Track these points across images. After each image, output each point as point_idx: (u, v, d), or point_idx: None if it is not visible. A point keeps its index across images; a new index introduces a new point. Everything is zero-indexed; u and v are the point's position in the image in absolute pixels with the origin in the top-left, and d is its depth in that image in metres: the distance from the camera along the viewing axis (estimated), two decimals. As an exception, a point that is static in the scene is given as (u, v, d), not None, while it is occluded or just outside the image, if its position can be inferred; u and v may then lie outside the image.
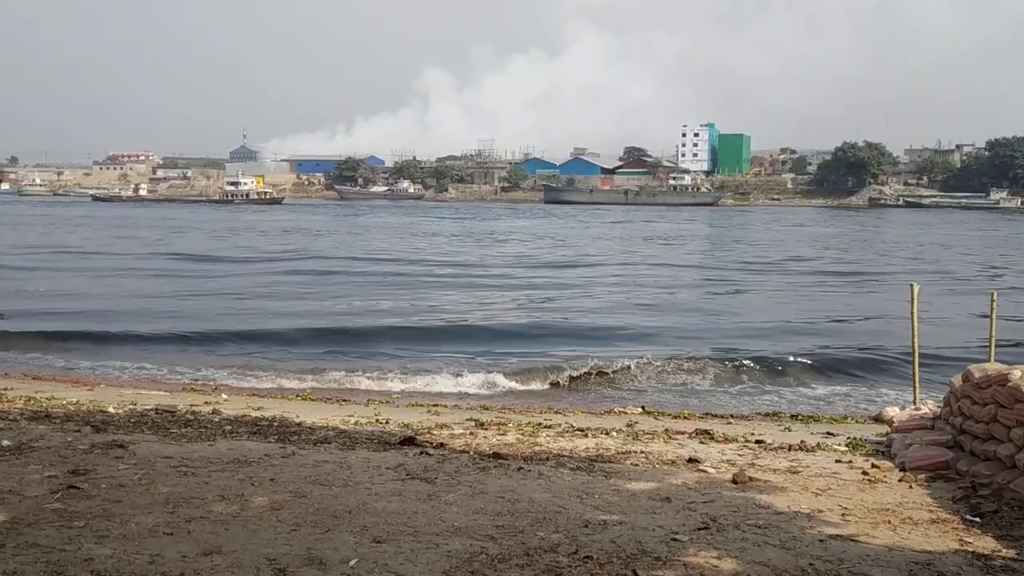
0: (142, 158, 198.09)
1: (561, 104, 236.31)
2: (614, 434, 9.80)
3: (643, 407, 13.06)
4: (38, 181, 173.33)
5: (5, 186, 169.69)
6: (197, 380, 15.14)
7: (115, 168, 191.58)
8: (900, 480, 7.32)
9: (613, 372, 16.23)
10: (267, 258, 42.21)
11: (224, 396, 12.98)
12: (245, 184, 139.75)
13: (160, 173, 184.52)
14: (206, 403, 11.54)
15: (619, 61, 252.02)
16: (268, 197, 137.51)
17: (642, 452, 8.51)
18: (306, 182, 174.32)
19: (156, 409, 10.44)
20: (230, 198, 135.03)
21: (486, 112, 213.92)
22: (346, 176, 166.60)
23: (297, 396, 13.63)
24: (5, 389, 12.20)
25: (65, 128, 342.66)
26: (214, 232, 62.81)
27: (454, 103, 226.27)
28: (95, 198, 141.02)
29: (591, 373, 16.10)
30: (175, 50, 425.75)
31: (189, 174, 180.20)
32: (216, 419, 9.80)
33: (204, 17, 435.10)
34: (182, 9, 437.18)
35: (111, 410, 10.30)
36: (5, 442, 7.54)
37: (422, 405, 12.77)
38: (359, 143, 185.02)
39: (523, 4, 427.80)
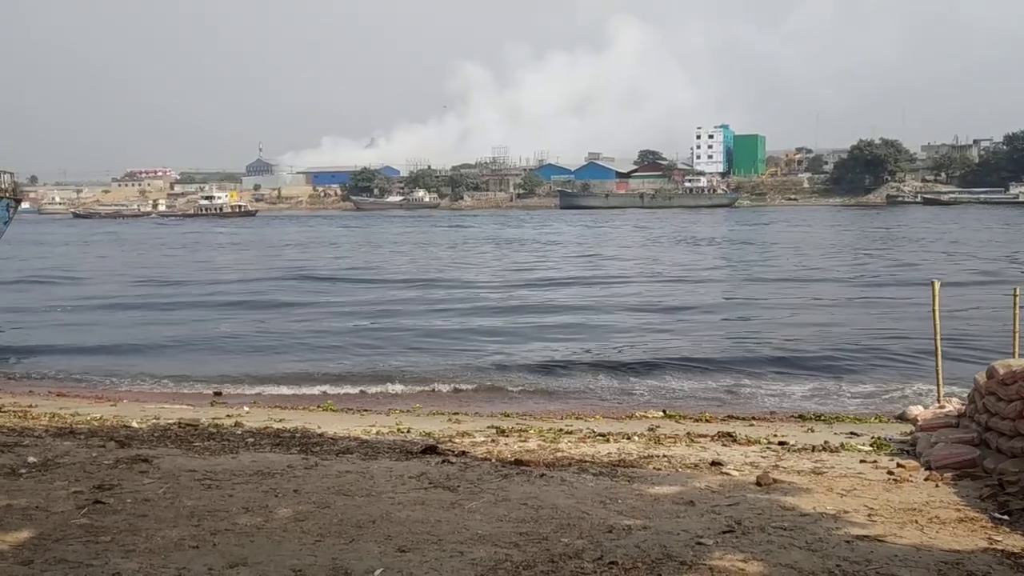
0: (160, 174, 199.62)
1: (593, 107, 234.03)
2: (636, 438, 9.79)
3: (664, 411, 13.02)
4: (57, 200, 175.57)
5: (26, 205, 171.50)
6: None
7: (133, 184, 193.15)
8: (926, 479, 7.24)
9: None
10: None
11: (246, 408, 13.07)
12: (219, 198, 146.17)
13: (178, 188, 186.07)
14: (228, 416, 11.63)
15: (643, 63, 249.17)
16: (242, 211, 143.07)
17: (664, 456, 8.48)
18: (322, 193, 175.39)
19: (179, 423, 10.53)
20: (204, 212, 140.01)
21: (524, 117, 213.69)
22: (362, 187, 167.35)
23: (318, 407, 13.68)
24: (30, 406, 12.34)
25: (84, 146, 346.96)
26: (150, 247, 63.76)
27: (494, 107, 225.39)
28: (75, 215, 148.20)
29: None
30: (196, 67, 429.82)
31: (206, 188, 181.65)
32: (238, 432, 9.87)
33: (226, 28, 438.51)
34: (204, 25, 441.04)
35: (135, 425, 10.40)
36: (31, 459, 7.61)
37: (443, 414, 12.80)
38: (396, 151, 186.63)
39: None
